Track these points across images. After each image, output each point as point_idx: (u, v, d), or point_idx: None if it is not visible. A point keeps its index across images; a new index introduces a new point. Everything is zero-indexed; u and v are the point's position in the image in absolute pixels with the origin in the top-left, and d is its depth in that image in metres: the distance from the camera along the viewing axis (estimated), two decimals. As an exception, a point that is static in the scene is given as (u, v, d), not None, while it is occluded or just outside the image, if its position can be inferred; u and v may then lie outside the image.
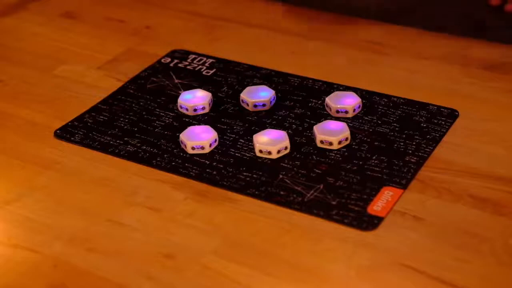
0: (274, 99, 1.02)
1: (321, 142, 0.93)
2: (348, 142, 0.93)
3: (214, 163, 0.93)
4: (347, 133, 0.93)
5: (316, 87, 1.06)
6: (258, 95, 1.02)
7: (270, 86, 1.06)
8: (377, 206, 0.85)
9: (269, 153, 0.93)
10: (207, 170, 0.92)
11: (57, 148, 0.98)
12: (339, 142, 0.93)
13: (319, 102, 1.02)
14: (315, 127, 0.95)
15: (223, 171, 0.92)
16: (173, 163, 0.93)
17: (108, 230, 0.85)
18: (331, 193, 0.87)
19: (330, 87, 1.06)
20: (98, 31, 1.27)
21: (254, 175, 0.91)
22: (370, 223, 0.83)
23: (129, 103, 1.06)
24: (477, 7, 1.12)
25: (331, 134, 0.93)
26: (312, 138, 0.96)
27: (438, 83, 1.06)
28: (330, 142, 0.93)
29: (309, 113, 1.01)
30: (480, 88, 1.04)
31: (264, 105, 1.01)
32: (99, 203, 0.89)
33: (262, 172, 0.91)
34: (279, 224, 0.84)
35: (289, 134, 0.96)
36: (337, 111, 0.98)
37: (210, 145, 0.95)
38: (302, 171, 0.91)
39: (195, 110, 1.01)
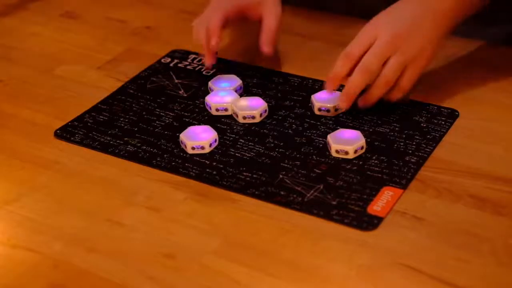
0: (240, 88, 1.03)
1: (337, 151, 0.92)
2: (363, 151, 0.93)
3: (214, 163, 0.93)
4: (362, 141, 0.93)
5: (316, 87, 1.06)
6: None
7: (270, 86, 1.06)
8: (377, 206, 0.85)
9: (253, 117, 0.98)
10: (207, 170, 0.92)
11: (57, 148, 0.98)
12: (355, 151, 0.92)
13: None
14: (329, 136, 0.94)
15: (223, 171, 0.92)
16: (173, 163, 0.93)
17: (108, 230, 0.85)
18: (331, 193, 0.87)
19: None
20: (98, 31, 1.27)
21: (254, 175, 0.91)
22: (370, 223, 0.83)
23: (129, 103, 1.06)
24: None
25: (346, 143, 0.92)
26: (312, 138, 0.96)
27: (438, 83, 1.06)
28: (346, 151, 0.92)
29: (309, 113, 1.01)
30: (480, 88, 1.04)
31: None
32: (99, 203, 0.89)
33: (262, 172, 0.91)
34: (279, 224, 0.84)
35: (289, 134, 0.96)
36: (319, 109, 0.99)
37: (210, 145, 0.95)
38: (302, 171, 0.91)
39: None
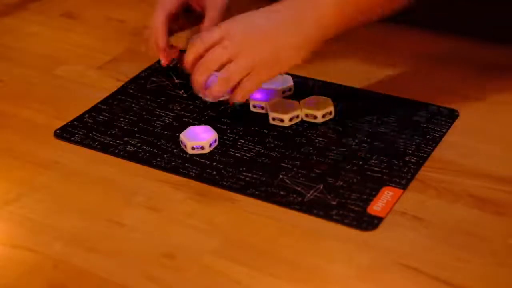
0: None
1: (273, 119, 0.97)
2: (299, 120, 0.97)
3: (214, 163, 0.93)
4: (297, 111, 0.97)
5: (317, 87, 1.06)
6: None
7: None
8: (377, 206, 0.85)
9: (281, 121, 0.98)
10: (207, 170, 0.92)
11: (57, 148, 0.98)
12: (290, 119, 0.96)
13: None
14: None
15: (223, 171, 0.92)
16: (173, 163, 0.93)
17: (108, 230, 0.85)
18: (331, 193, 0.87)
19: (329, 87, 1.06)
20: (98, 31, 1.27)
21: (254, 175, 0.91)
22: (370, 223, 0.83)
23: (129, 103, 1.06)
24: (477, 7, 1.12)
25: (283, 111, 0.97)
26: (312, 138, 0.96)
27: (438, 83, 1.06)
28: (281, 119, 0.96)
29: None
30: (480, 88, 1.04)
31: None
32: (99, 203, 0.89)
33: (262, 172, 0.91)
34: (279, 224, 0.84)
35: (289, 134, 0.96)
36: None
37: (210, 145, 0.95)
38: (302, 171, 0.91)
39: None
